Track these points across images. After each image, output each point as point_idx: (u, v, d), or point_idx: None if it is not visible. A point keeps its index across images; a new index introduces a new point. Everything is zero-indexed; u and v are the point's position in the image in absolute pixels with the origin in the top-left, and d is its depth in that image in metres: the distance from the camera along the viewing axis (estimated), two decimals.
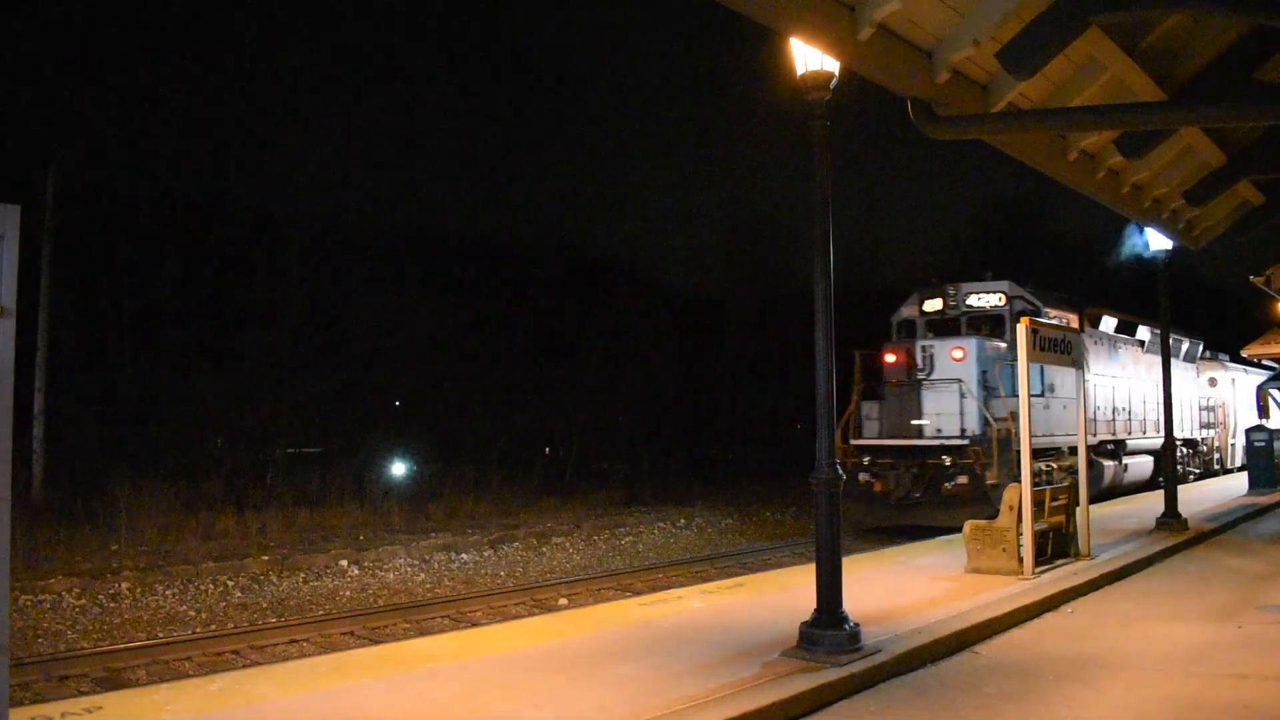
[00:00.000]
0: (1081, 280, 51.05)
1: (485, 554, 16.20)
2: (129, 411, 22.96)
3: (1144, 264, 13.84)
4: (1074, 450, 14.27)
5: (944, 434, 15.96)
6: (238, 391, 22.74)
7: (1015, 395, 13.40)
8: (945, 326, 17.68)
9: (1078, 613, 8.74)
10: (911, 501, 16.01)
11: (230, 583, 13.15)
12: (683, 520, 20.87)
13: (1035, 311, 16.82)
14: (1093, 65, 7.99)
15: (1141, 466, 21.09)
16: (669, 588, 11.65)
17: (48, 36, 25.75)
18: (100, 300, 23.30)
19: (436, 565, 15.26)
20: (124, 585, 12.43)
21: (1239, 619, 8.30)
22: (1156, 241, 13.76)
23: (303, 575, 13.81)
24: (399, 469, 24.90)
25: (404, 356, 26.75)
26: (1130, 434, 20.45)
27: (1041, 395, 16.53)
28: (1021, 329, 9.92)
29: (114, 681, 8.57)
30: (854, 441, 16.74)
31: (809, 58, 6.65)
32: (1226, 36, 8.25)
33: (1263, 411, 30.29)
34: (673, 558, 16.48)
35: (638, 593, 12.17)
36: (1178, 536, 13.17)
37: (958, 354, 16.20)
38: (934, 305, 18.01)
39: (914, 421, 16.28)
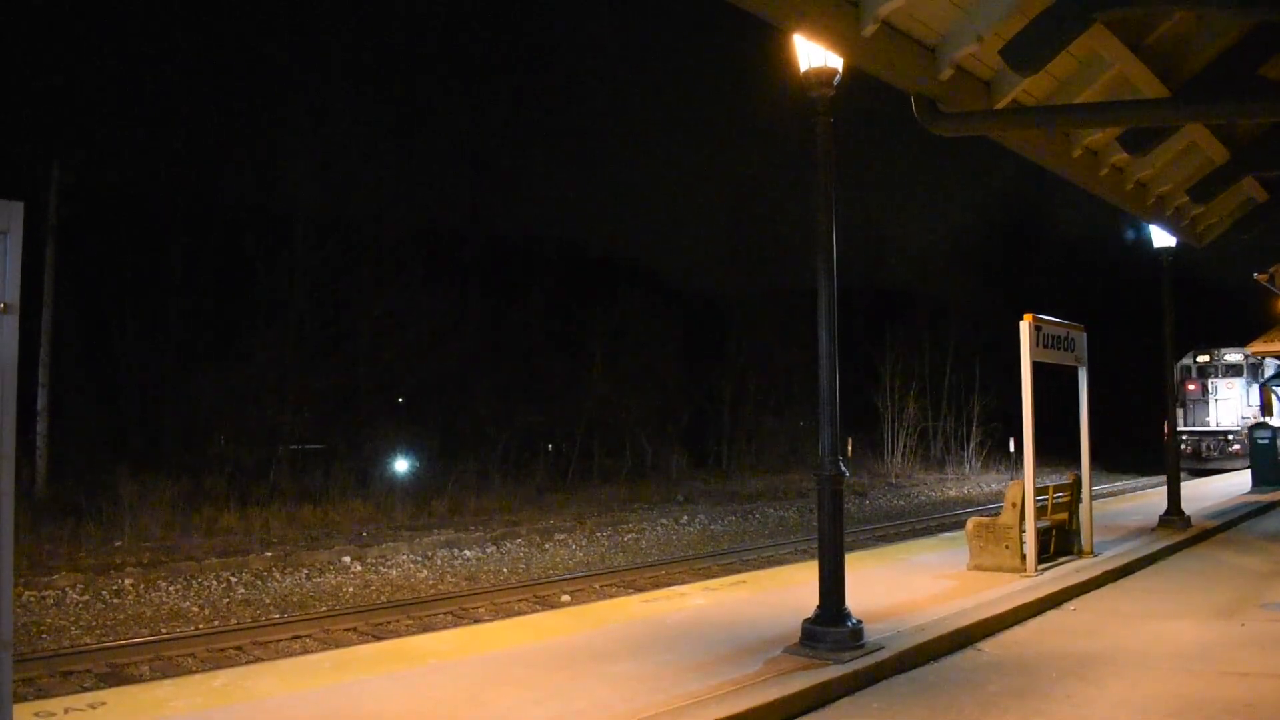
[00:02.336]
0: (1084, 277, 51.03)
1: (488, 550, 16.22)
2: (132, 408, 22.99)
3: (1150, 254, 13.96)
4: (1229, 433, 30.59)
5: (1223, 425, 30.91)
6: (241, 388, 22.75)
7: (1249, 405, 30.93)
8: (1213, 371, 31.73)
9: (1080, 610, 8.73)
10: (1209, 457, 30.59)
11: (233, 579, 13.17)
12: (685, 517, 20.87)
13: (1258, 364, 31.02)
14: (1097, 62, 7.96)
15: None
16: (671, 584, 11.64)
17: (51, 33, 25.77)
18: (104, 297, 23.32)
19: (439, 561, 15.27)
20: (127, 581, 12.46)
21: (1242, 617, 8.29)
22: (1160, 239, 13.70)
23: (305, 571, 13.82)
24: (402, 465, 24.90)
25: (408, 353, 26.72)
26: None
27: (1229, 400, 31.38)
28: (1024, 325, 9.89)
29: (117, 677, 8.59)
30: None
31: (812, 55, 6.63)
32: (1231, 33, 8.22)
33: (1265, 409, 30.91)
34: (675, 555, 16.49)
35: (640, 589, 12.18)
36: (1181, 534, 13.15)
37: (1229, 387, 31.27)
38: (1204, 359, 31.95)
39: (1205, 418, 31.37)
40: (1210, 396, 31.36)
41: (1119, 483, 31.06)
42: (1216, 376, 31.57)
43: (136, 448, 20.91)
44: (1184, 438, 30.37)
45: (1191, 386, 31.83)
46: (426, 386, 27.52)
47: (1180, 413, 30.48)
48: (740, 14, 5.87)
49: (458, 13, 59.38)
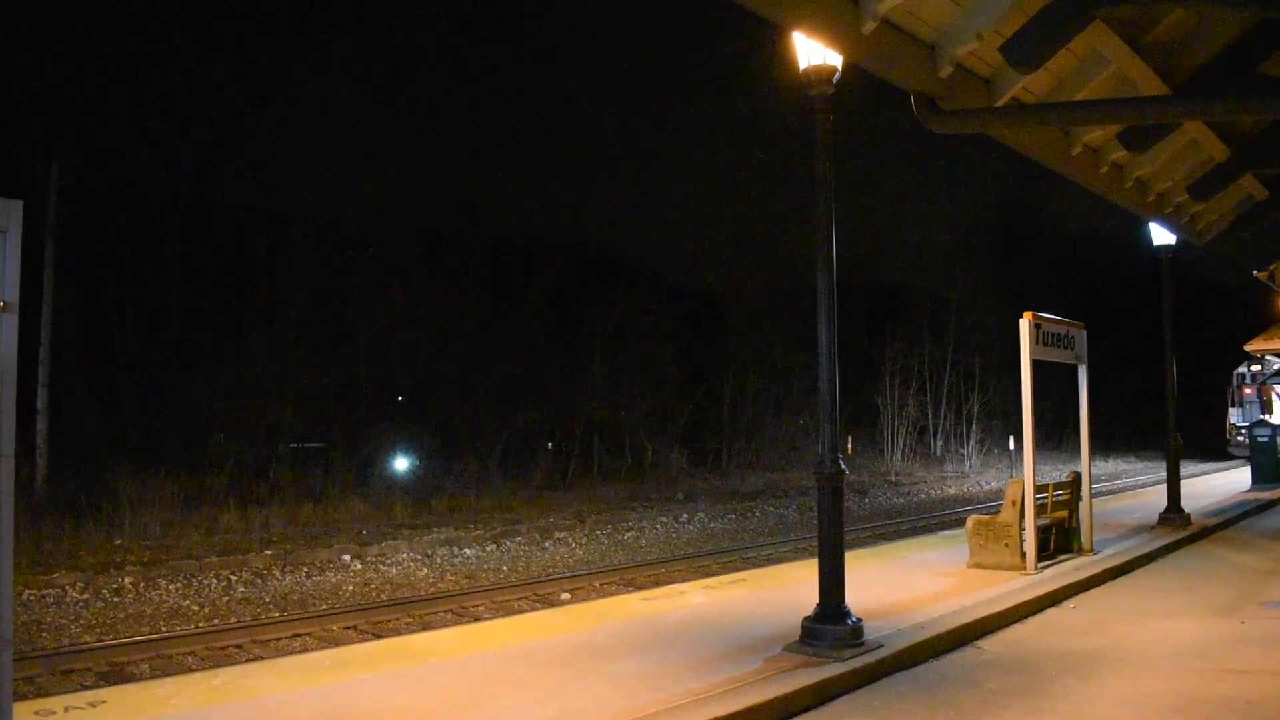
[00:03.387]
0: (1083, 275, 51.02)
1: (488, 549, 16.22)
2: (132, 407, 22.97)
3: (1149, 253, 13.99)
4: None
5: (1273, 423, 29.82)
6: (241, 386, 22.72)
7: None
8: (1265, 377, 36.43)
9: (1080, 608, 8.74)
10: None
11: (233, 577, 13.18)
12: (685, 515, 20.87)
13: None
14: (1096, 59, 7.96)
15: None
16: (671, 582, 11.63)
17: (50, 31, 25.74)
18: (103, 296, 23.31)
19: (439, 560, 15.28)
20: (127, 580, 12.46)
21: (1241, 614, 8.30)
22: (1160, 236, 13.70)
23: (305, 570, 13.83)
24: (402, 464, 24.91)
25: (407, 351, 26.72)
26: None
27: None
28: (1024, 323, 9.89)
29: (117, 676, 8.59)
30: (1232, 422, 37.29)
31: (812, 52, 6.62)
32: (1231, 30, 8.22)
33: (1265, 407, 31.31)
34: (675, 553, 16.49)
35: (640, 587, 12.19)
36: (1180, 532, 13.16)
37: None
38: (1256, 368, 36.85)
39: (1259, 415, 32.98)
40: (1265, 398, 37.46)
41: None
42: (1262, 382, 37.73)
43: (136, 446, 20.88)
44: (1242, 431, 36.83)
45: (1247, 390, 38.34)
46: (427, 384, 27.51)
47: (1239, 412, 37.98)
48: (741, 12, 5.88)
49: (458, 13, 59.32)
